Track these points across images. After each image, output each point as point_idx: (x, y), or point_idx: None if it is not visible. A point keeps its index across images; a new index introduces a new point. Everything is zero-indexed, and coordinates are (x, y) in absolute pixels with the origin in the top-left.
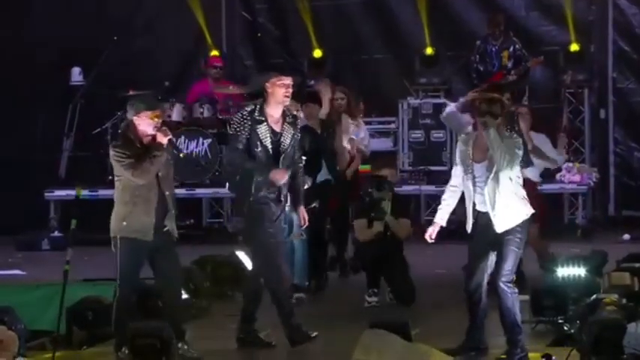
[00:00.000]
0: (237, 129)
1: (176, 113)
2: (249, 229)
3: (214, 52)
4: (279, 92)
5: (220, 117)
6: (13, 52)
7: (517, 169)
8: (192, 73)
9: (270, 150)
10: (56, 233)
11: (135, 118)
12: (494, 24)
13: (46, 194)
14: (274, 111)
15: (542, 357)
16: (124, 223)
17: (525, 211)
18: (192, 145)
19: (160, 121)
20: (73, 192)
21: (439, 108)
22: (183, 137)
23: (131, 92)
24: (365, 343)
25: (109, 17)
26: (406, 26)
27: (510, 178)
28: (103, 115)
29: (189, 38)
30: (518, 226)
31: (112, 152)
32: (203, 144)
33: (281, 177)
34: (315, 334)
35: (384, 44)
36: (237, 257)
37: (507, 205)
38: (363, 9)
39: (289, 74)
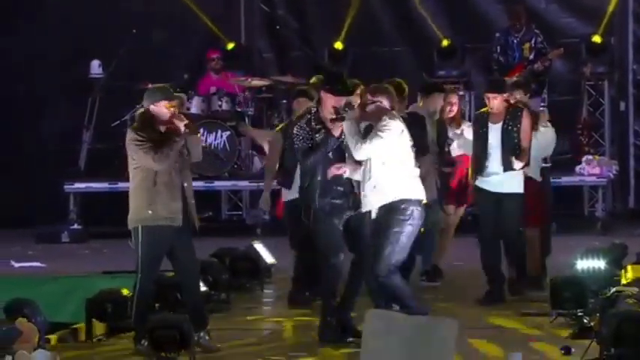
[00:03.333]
0: (299, 142)
1: (195, 106)
2: (314, 233)
3: (230, 45)
4: (329, 104)
5: (239, 110)
6: (32, 44)
7: (391, 153)
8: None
9: (331, 154)
10: (76, 226)
11: (152, 106)
12: (515, 16)
13: (65, 187)
14: (329, 116)
15: (562, 349)
16: (149, 211)
17: (398, 194)
18: (211, 137)
19: (176, 110)
20: (92, 184)
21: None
22: (202, 130)
23: (149, 85)
24: (371, 328)
25: (127, 10)
26: (425, 18)
27: (383, 163)
28: (122, 108)
29: (207, 30)
30: (389, 209)
31: (131, 136)
32: (222, 136)
33: (334, 170)
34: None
35: (403, 36)
36: (255, 250)
37: (375, 187)
38: (382, 1)
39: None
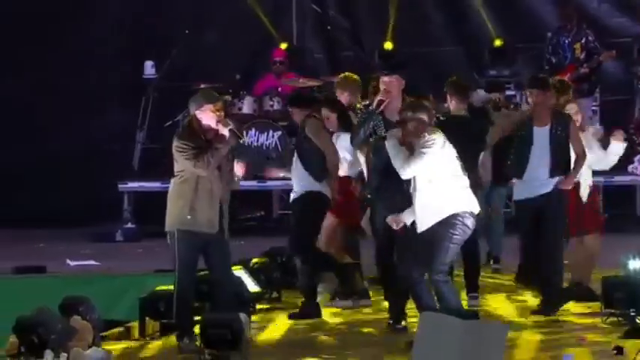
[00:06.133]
0: (359, 121)
1: (247, 106)
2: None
3: (283, 45)
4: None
5: (290, 109)
6: (86, 46)
7: (437, 169)
8: (262, 66)
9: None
10: (130, 225)
11: (197, 112)
12: (566, 16)
13: (119, 186)
14: (390, 103)
15: (614, 349)
16: (189, 216)
17: (450, 209)
18: (263, 137)
19: (222, 114)
20: (145, 184)
21: (509, 100)
22: (253, 130)
23: (202, 85)
24: (423, 329)
25: (180, 11)
26: (476, 18)
27: (430, 181)
28: (175, 108)
29: (259, 31)
30: (442, 222)
31: (175, 143)
32: (273, 136)
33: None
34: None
35: (454, 36)
36: None
37: (426, 206)
38: (433, 0)
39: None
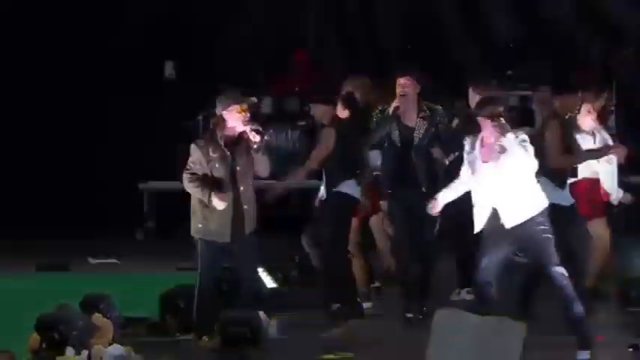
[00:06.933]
0: (375, 125)
1: (265, 106)
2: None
3: (302, 49)
4: (396, 90)
5: (307, 110)
6: (106, 44)
7: (526, 165)
8: (281, 67)
9: (399, 143)
10: (150, 224)
11: (224, 112)
12: (582, 16)
13: (140, 185)
14: (404, 106)
15: (630, 347)
16: (200, 225)
17: (539, 204)
18: (282, 137)
19: (248, 115)
20: (166, 183)
21: (525, 101)
22: (272, 130)
23: (222, 86)
24: (438, 324)
25: (200, 11)
26: (492, 18)
27: (519, 177)
28: (196, 108)
29: (279, 31)
30: (535, 219)
31: (192, 150)
32: (292, 137)
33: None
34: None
35: (470, 36)
36: None
37: (514, 200)
38: (450, 1)
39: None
